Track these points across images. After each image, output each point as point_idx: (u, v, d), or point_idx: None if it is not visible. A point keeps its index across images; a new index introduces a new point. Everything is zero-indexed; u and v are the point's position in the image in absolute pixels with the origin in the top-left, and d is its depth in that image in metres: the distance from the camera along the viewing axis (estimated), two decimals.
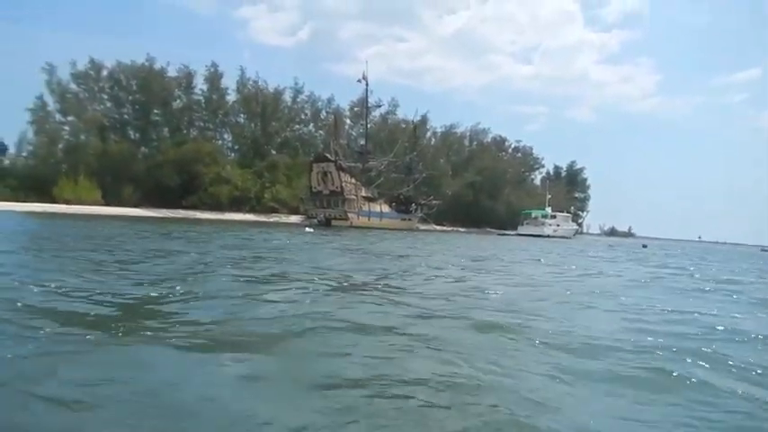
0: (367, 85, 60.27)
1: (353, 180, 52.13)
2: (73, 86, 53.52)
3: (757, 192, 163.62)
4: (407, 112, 80.00)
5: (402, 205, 58.93)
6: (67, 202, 43.62)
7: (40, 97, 51.60)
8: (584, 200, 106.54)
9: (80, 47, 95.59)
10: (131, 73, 56.65)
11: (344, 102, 71.82)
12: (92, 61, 54.62)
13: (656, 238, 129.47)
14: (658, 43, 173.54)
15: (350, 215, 49.37)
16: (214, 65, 61.82)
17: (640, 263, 20.00)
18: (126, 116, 57.68)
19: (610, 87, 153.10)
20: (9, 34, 73.85)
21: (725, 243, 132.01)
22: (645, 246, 54.11)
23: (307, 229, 36.08)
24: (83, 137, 52.32)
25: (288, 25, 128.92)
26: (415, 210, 60.38)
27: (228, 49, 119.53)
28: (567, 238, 67.60)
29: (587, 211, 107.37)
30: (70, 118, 52.56)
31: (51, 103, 52.37)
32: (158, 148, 57.09)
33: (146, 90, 56.33)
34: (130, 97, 57.09)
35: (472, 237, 46.24)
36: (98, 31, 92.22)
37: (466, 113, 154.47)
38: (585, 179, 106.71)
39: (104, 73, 55.92)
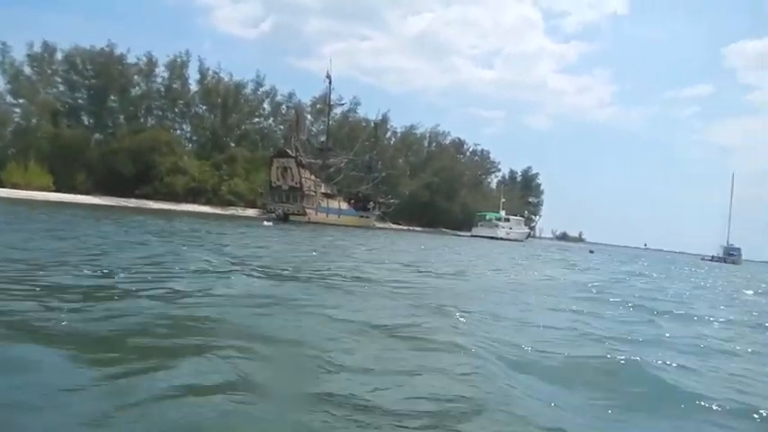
0: (330, 82, 60.90)
1: (313, 176, 52.53)
2: (26, 68, 52.01)
3: (704, 204, 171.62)
4: (368, 111, 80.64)
5: (360, 203, 59.61)
6: (16, 187, 42.43)
7: None
8: (538, 205, 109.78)
9: (33, 26, 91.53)
10: (89, 57, 55.25)
11: (305, 97, 71.95)
12: (45, 44, 53.13)
13: (606, 245, 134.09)
14: (615, 55, 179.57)
15: (308, 211, 49.73)
16: (187, 53, 61.18)
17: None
18: (80, 101, 56.25)
19: (567, 96, 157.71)
20: None
21: (670, 251, 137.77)
22: (591, 251, 56.37)
23: (265, 222, 36.42)
24: (34, 120, 50.82)
25: (251, 16, 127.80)
26: (373, 208, 61.18)
27: (189, 38, 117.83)
28: (519, 241, 69.58)
29: (540, 216, 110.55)
30: (21, 100, 51.02)
31: (2, 84, 50.87)
32: (113, 135, 55.93)
33: (103, 75, 54.97)
34: (86, 82, 55.67)
35: (422, 237, 47.17)
36: (53, 10, 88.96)
37: (426, 114, 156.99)
38: (540, 184, 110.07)
39: (59, 56, 54.45)
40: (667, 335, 6.03)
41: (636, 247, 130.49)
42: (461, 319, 5.67)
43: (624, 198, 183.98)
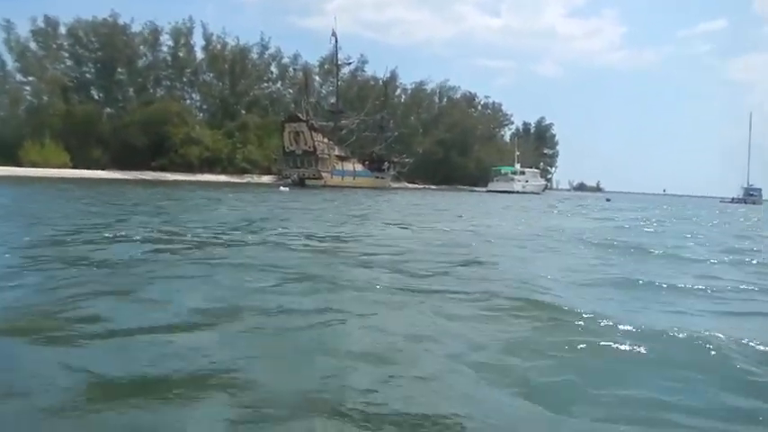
0: (336, 41, 59.76)
1: (326, 139, 52.15)
2: (32, 45, 51.64)
3: (723, 144, 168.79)
4: (375, 68, 79.32)
5: (375, 164, 59.32)
6: (35, 166, 42.79)
7: None
8: (553, 156, 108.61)
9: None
10: (92, 29, 54.66)
11: (311, 58, 70.96)
12: (47, 18, 52.52)
13: (624, 192, 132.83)
14: None
15: (323, 174, 49.58)
16: (191, 19, 60.61)
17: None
18: (88, 75, 56.01)
19: (576, 41, 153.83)
20: None
21: (690, 196, 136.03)
22: (608, 200, 55.80)
23: (281, 188, 36.52)
24: (45, 98, 50.72)
25: None
26: (388, 168, 60.88)
27: (191, 4, 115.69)
28: (535, 193, 69.07)
29: (556, 167, 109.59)
30: (31, 78, 50.88)
31: (10, 63, 50.66)
32: (124, 108, 55.83)
33: (109, 47, 54.46)
34: (92, 55, 55.24)
35: (438, 195, 46.96)
36: None
37: (433, 68, 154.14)
38: (554, 135, 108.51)
39: (62, 30, 53.92)
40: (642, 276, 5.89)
41: (655, 194, 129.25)
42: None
43: (641, 144, 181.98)
